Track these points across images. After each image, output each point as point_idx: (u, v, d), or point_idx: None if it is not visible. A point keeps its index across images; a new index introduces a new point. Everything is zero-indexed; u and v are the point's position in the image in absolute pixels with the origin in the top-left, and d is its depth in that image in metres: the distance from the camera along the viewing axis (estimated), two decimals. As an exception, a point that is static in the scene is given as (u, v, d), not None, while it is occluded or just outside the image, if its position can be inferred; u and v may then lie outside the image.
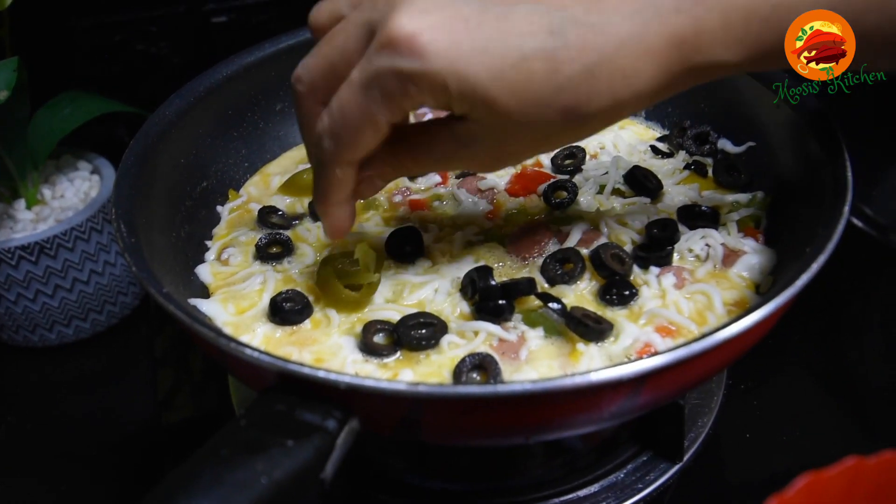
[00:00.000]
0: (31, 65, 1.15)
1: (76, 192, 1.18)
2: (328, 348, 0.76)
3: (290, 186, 0.97)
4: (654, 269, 0.82)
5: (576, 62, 0.59)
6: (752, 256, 0.83)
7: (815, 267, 0.66)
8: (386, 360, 0.74)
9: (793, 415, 0.95)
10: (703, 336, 0.61)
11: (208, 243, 0.92)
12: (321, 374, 0.58)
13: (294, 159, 1.04)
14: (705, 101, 1.02)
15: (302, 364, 0.59)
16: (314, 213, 0.93)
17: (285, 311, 0.78)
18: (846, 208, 0.72)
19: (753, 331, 0.63)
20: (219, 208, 0.96)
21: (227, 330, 0.78)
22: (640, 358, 0.63)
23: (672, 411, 0.82)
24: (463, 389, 0.59)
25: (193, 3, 1.37)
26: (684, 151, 0.99)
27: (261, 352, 0.60)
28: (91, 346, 1.17)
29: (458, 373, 0.71)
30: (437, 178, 0.98)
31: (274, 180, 1.00)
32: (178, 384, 1.11)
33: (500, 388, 0.56)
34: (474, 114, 0.61)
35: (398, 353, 0.74)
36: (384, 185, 0.74)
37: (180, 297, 0.78)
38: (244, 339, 0.77)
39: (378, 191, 0.75)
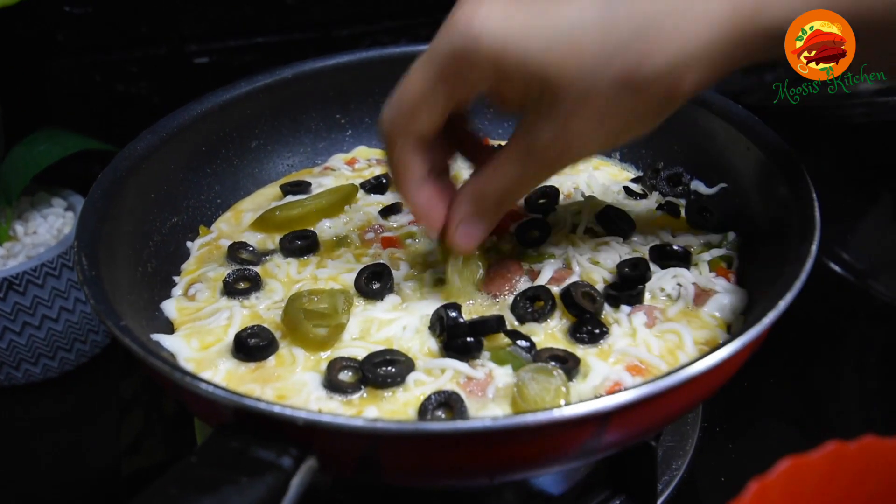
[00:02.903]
0: (10, 103, 1.15)
1: (49, 228, 1.17)
2: (292, 385, 0.74)
3: (261, 223, 0.97)
4: (625, 308, 0.81)
5: (624, 27, 0.59)
6: (723, 296, 0.82)
7: (782, 305, 0.65)
8: (350, 398, 0.72)
9: (768, 458, 0.93)
10: (670, 373, 0.60)
11: (176, 279, 0.90)
12: (277, 409, 0.56)
13: (267, 196, 1.04)
14: (679, 143, 1.03)
15: (258, 399, 0.58)
16: (285, 249, 0.92)
17: (249, 346, 0.77)
18: (814, 247, 0.72)
19: (721, 368, 0.62)
20: (188, 244, 0.95)
21: (190, 366, 0.77)
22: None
23: (644, 453, 0.80)
24: (423, 426, 0.57)
25: (175, 44, 1.38)
26: (657, 192, 1.00)
27: (216, 386, 0.59)
28: (59, 385, 1.14)
29: (424, 410, 0.69)
30: (409, 216, 0.97)
31: (246, 217, 0.99)
32: (149, 427, 1.08)
33: (460, 425, 0.55)
34: (530, 94, 0.62)
35: (363, 391, 0.73)
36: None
37: (142, 333, 0.76)
38: (206, 374, 0.75)
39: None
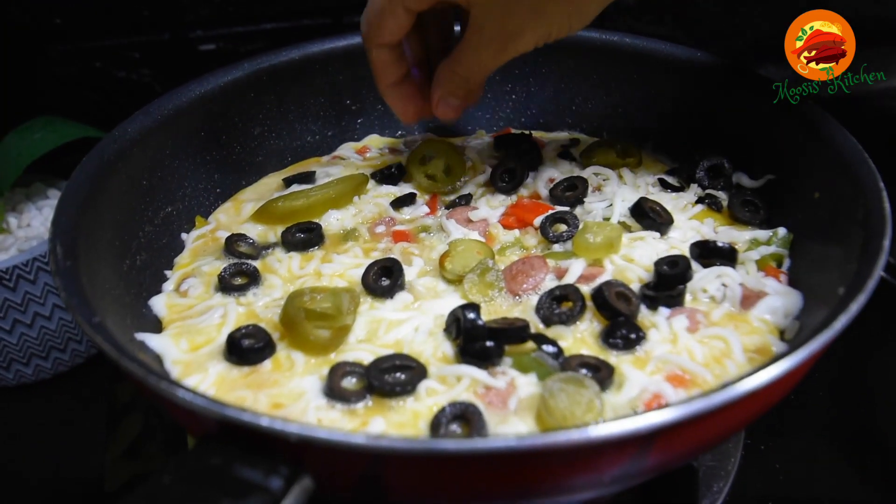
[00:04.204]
0: (4, 90, 1.09)
1: (44, 220, 1.10)
2: (289, 392, 0.66)
3: (263, 213, 0.89)
4: (663, 311, 0.73)
5: None
6: (774, 298, 0.74)
7: (854, 308, 0.57)
8: (354, 407, 0.64)
9: (819, 480, 0.85)
10: (725, 386, 0.51)
11: (168, 273, 0.83)
12: (265, 422, 0.48)
13: (270, 186, 0.96)
14: (719, 131, 0.94)
15: (243, 409, 0.49)
16: (287, 243, 0.84)
17: (243, 348, 0.69)
18: (885, 242, 0.63)
19: (783, 381, 0.53)
20: (183, 236, 0.88)
21: (177, 369, 0.69)
22: (649, 411, 0.53)
23: (684, 475, 0.72)
24: (434, 444, 0.49)
25: (179, 29, 1.32)
26: (696, 185, 0.91)
27: (195, 393, 0.51)
28: (53, 387, 1.07)
29: (437, 424, 0.61)
30: (424, 208, 0.89)
31: (246, 207, 0.91)
32: (148, 431, 1.01)
33: (479, 444, 0.46)
34: None
35: (368, 400, 0.65)
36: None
37: (125, 331, 0.69)
38: (194, 379, 0.68)
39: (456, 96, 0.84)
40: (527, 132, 1.00)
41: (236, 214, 0.91)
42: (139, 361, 0.55)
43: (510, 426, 0.62)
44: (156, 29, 1.30)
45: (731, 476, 0.80)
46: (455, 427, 0.61)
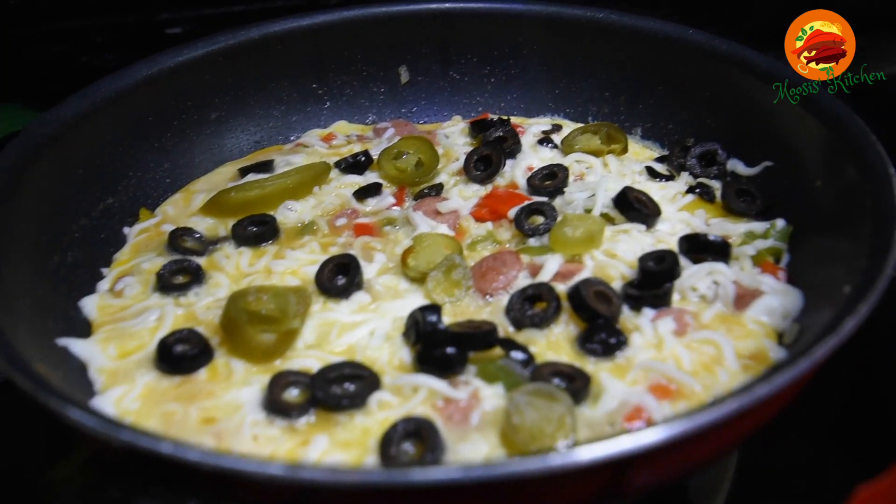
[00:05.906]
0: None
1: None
2: (224, 405, 0.59)
3: (213, 206, 0.81)
4: (648, 312, 0.66)
5: None
6: (771, 297, 0.67)
7: (863, 309, 0.50)
8: (295, 423, 0.57)
9: (824, 494, 0.77)
10: (715, 402, 0.44)
11: (105, 271, 0.75)
12: (165, 447, 0.41)
13: (225, 176, 0.89)
14: (712, 114, 0.87)
15: (142, 433, 0.42)
16: (238, 237, 0.77)
17: (175, 355, 0.62)
18: (898, 235, 0.56)
19: (783, 394, 0.46)
20: (126, 230, 0.80)
21: (101, 379, 0.62)
22: (628, 427, 0.46)
23: (670, 494, 0.64)
24: (364, 476, 0.42)
25: (145, 12, 1.24)
26: (687, 173, 0.84)
27: (89, 412, 0.43)
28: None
29: (387, 443, 0.54)
30: (390, 199, 0.82)
31: (197, 199, 0.84)
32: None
33: (416, 477, 0.39)
34: None
35: (311, 414, 0.57)
36: None
37: (43, 336, 0.61)
38: (119, 390, 0.60)
39: None
40: (505, 117, 0.93)
41: (185, 207, 0.83)
42: (30, 374, 0.47)
43: (471, 444, 0.54)
44: (120, 11, 1.23)
45: (724, 494, 0.73)
46: (408, 446, 0.54)
